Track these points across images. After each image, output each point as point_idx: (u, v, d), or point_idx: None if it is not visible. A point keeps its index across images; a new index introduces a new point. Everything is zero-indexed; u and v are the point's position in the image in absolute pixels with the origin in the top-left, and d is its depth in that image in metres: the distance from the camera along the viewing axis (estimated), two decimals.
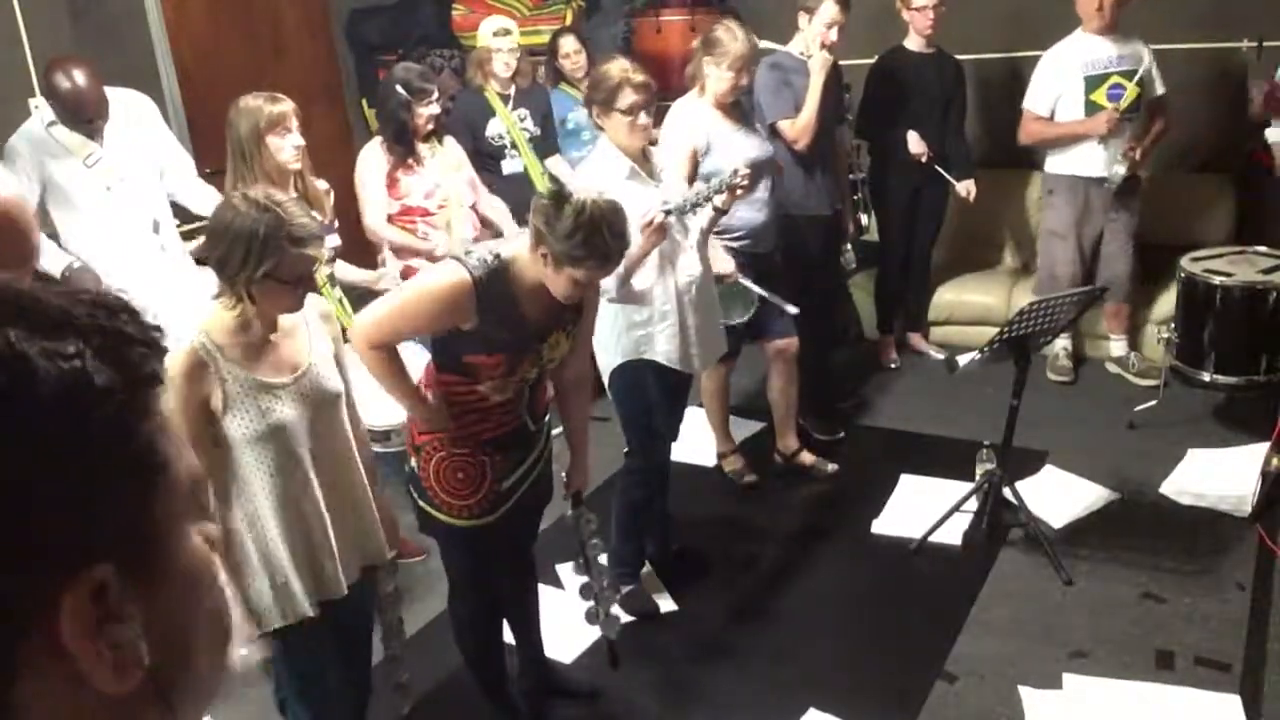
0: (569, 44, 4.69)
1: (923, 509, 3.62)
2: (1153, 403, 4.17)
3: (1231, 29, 4.59)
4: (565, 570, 3.37)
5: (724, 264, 3.42)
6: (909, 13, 4.45)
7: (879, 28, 4.70)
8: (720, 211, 3.01)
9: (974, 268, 5.24)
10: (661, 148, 3.35)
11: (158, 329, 0.58)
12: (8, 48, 3.99)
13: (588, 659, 3.07)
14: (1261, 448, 3.60)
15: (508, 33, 4.26)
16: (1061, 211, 4.49)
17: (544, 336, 2.37)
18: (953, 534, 3.51)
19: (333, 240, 3.23)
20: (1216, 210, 4.84)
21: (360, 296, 3.57)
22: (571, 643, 3.10)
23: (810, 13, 3.90)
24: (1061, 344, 4.66)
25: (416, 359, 2.69)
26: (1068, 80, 4.35)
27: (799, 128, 3.81)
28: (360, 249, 3.71)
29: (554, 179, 4.16)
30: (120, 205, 3.44)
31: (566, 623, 3.12)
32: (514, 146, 4.30)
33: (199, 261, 3.52)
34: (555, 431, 2.62)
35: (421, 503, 2.44)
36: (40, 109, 3.42)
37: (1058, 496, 3.71)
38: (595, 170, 2.94)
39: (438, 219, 3.69)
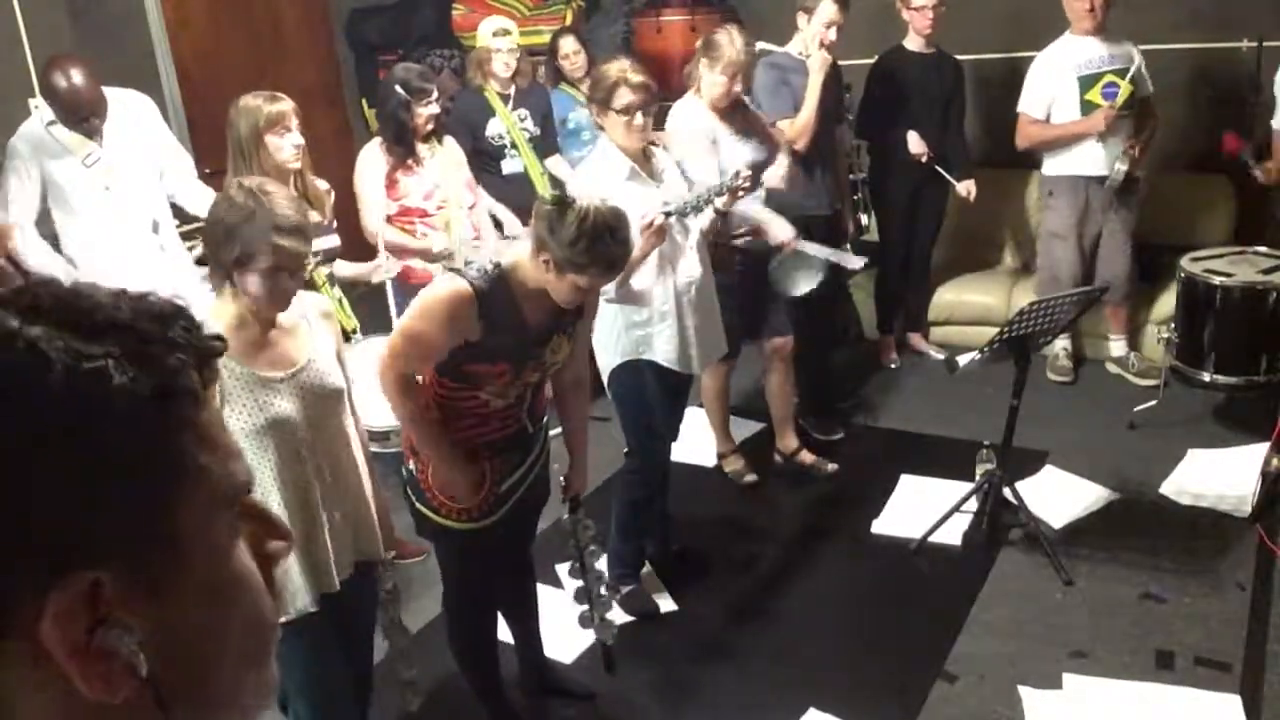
0: (568, 44, 4.70)
1: (923, 509, 3.61)
2: (1153, 403, 4.17)
3: (1231, 29, 4.59)
4: (565, 570, 3.36)
5: (783, 231, 3.38)
6: (909, 13, 4.45)
7: (879, 28, 4.70)
8: (720, 214, 3.01)
9: (974, 268, 5.24)
10: (672, 145, 3.36)
11: (214, 338, 0.58)
12: (8, 48, 3.99)
13: (588, 659, 3.07)
14: (1261, 448, 3.59)
15: (507, 33, 4.26)
16: (1062, 213, 4.49)
17: (545, 341, 2.36)
18: (953, 534, 3.51)
19: (332, 240, 3.23)
20: (1216, 210, 4.84)
21: (360, 297, 3.58)
22: (571, 643, 3.10)
23: (809, 13, 3.90)
24: (1061, 344, 4.66)
25: None
26: (1061, 82, 4.36)
27: (798, 128, 3.81)
28: (359, 249, 3.71)
29: (555, 181, 4.16)
30: (119, 205, 3.44)
31: (566, 623, 3.11)
32: (514, 146, 4.30)
33: (199, 262, 3.52)
34: (554, 432, 2.62)
35: (419, 505, 2.43)
36: (40, 109, 3.42)
37: (1058, 496, 3.70)
38: (595, 170, 2.94)
39: (436, 220, 3.69)
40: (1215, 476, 3.75)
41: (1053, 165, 4.51)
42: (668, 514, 3.44)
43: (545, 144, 4.42)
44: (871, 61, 4.65)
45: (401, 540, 2.54)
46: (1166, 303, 4.49)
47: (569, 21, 5.40)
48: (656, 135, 3.20)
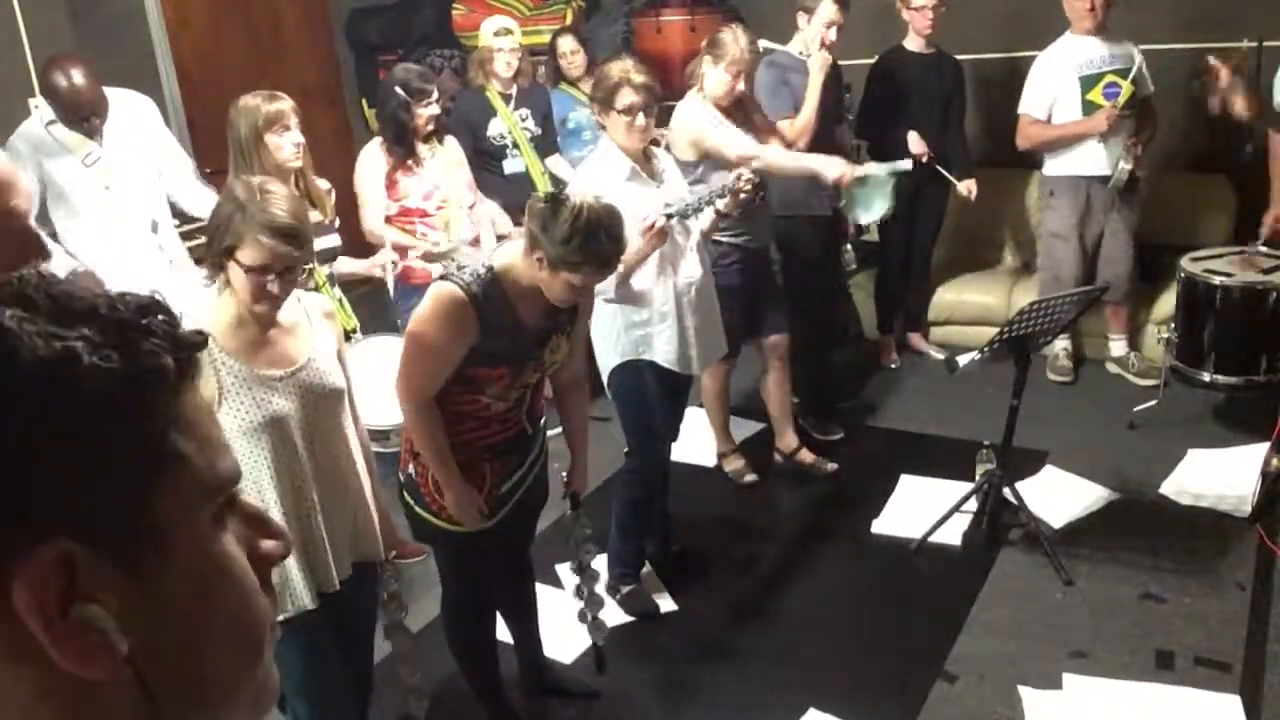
0: (566, 44, 4.70)
1: (923, 509, 3.62)
2: (1153, 403, 4.17)
3: (1231, 29, 4.58)
4: (565, 570, 3.37)
5: (833, 168, 3.40)
6: (909, 13, 4.45)
7: (879, 28, 4.70)
8: (722, 215, 3.01)
9: (974, 268, 5.24)
10: (676, 143, 3.37)
11: (196, 333, 0.59)
12: (8, 48, 3.99)
13: (587, 659, 3.06)
14: (1261, 448, 3.59)
15: (509, 32, 4.26)
16: (1063, 213, 4.49)
17: (544, 342, 2.36)
18: (953, 534, 3.51)
19: (333, 240, 3.23)
20: (1216, 210, 4.84)
21: (361, 297, 3.58)
22: (571, 643, 3.10)
23: (809, 13, 3.90)
24: (1061, 344, 4.66)
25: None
26: (1062, 82, 4.36)
27: (798, 128, 3.81)
28: (360, 249, 3.71)
29: (556, 181, 4.16)
30: (119, 205, 3.44)
31: (566, 623, 3.11)
32: (515, 146, 4.30)
33: (198, 261, 3.52)
34: (553, 432, 2.62)
35: (419, 509, 2.42)
36: (40, 108, 3.42)
37: (1058, 496, 3.70)
38: (596, 170, 2.94)
39: (436, 220, 3.69)
40: (1215, 476, 3.75)
41: (1054, 165, 4.51)
42: (668, 514, 3.44)
43: (546, 144, 4.42)
44: (871, 61, 4.65)
45: (402, 540, 2.54)
46: (1166, 303, 4.49)
47: (569, 21, 5.40)
48: (658, 133, 3.20)
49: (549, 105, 4.51)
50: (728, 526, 3.76)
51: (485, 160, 4.24)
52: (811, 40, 3.91)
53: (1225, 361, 3.90)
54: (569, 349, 2.46)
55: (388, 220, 3.66)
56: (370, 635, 2.43)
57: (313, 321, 2.12)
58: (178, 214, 3.73)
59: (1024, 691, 2.79)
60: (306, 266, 2.74)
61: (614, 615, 3.22)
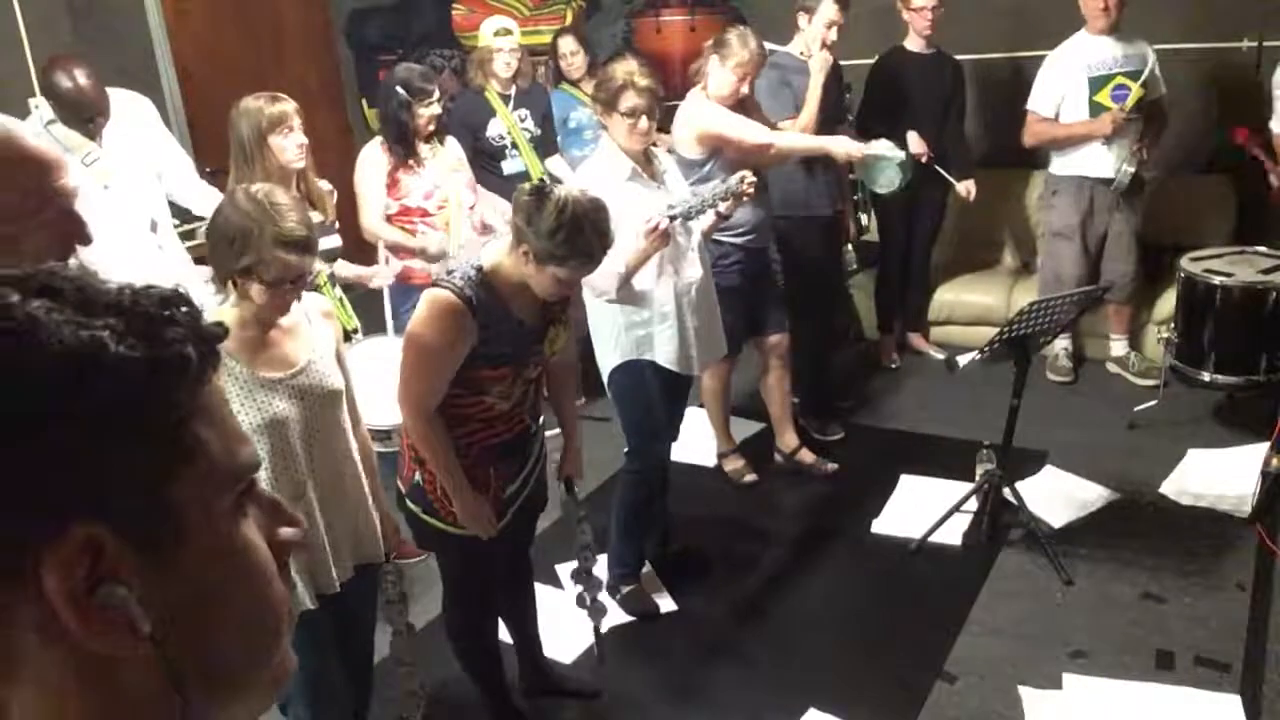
0: (566, 44, 4.70)
1: (923, 509, 3.62)
2: (1153, 403, 4.17)
3: (1231, 29, 4.59)
4: (565, 570, 3.37)
5: (842, 146, 3.45)
6: (909, 13, 4.45)
7: (879, 28, 4.70)
8: (723, 216, 3.01)
9: (974, 268, 5.24)
10: (683, 140, 3.38)
11: (216, 324, 0.61)
12: (8, 48, 3.99)
13: (587, 659, 3.07)
14: (1261, 448, 3.59)
15: (509, 32, 4.26)
16: (1065, 212, 4.49)
17: (542, 336, 2.36)
18: (953, 534, 3.51)
19: (334, 240, 3.23)
20: (1216, 210, 4.84)
21: (361, 296, 3.58)
22: (571, 643, 3.10)
23: (810, 12, 3.90)
24: (1062, 344, 4.66)
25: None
26: (1071, 81, 4.35)
27: (798, 129, 3.81)
28: (360, 249, 3.71)
29: (552, 178, 4.16)
30: (118, 204, 3.44)
31: (566, 623, 3.12)
32: (515, 147, 4.30)
33: (199, 261, 3.52)
34: (552, 433, 2.62)
35: (425, 515, 2.40)
36: (40, 108, 3.42)
37: (1058, 496, 3.70)
38: (597, 170, 2.94)
39: (437, 220, 3.69)
40: (1215, 476, 3.75)
41: (1059, 164, 4.51)
42: (668, 514, 3.44)
43: (545, 144, 4.42)
44: (871, 61, 4.65)
45: (402, 541, 2.54)
46: (1167, 303, 4.49)
47: (569, 21, 5.40)
48: (659, 137, 3.21)
49: (548, 106, 4.51)
50: (728, 526, 3.76)
51: (484, 160, 4.24)
52: (813, 40, 3.91)
53: (1225, 361, 3.90)
54: (566, 336, 2.46)
55: (389, 219, 3.66)
56: (370, 636, 2.43)
57: (312, 322, 2.12)
58: (178, 214, 3.73)
59: (1024, 691, 2.79)
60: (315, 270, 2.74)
61: (614, 615, 3.22)
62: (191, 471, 0.57)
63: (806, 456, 4.05)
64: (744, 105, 3.50)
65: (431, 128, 3.63)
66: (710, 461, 4.09)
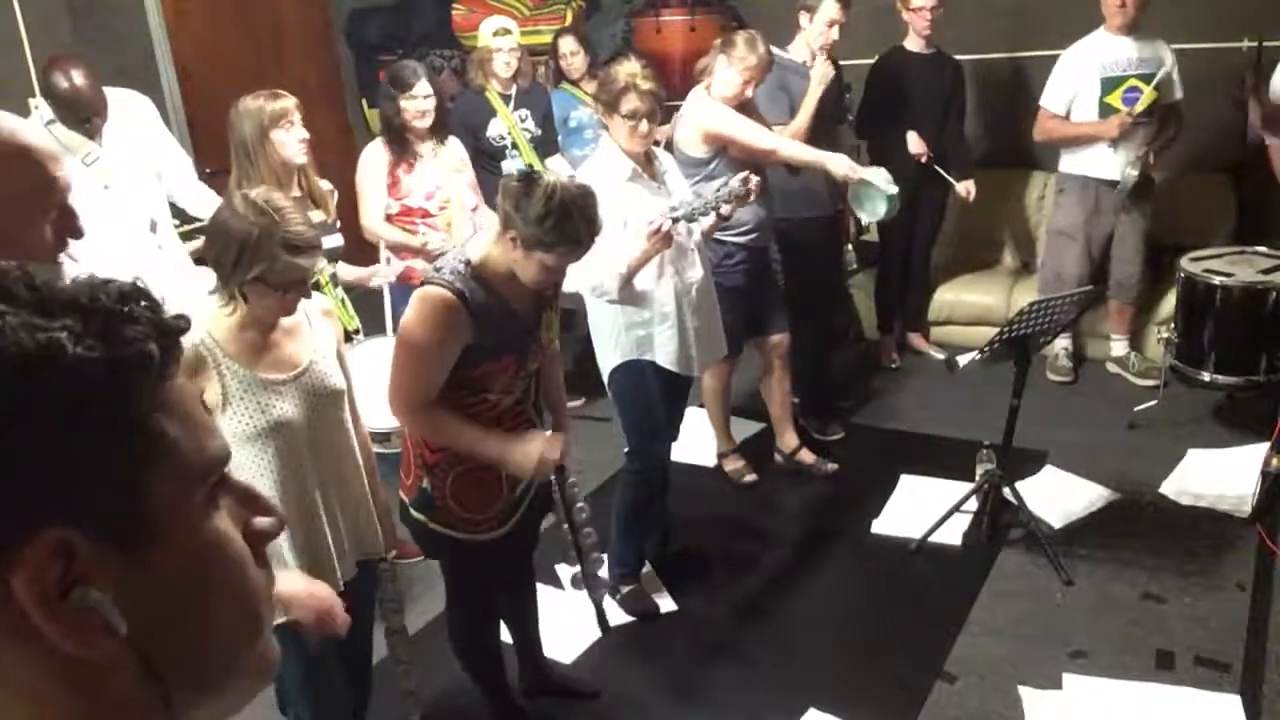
0: (567, 45, 4.70)
1: (923, 509, 3.62)
2: (1153, 403, 4.18)
3: (1231, 29, 4.59)
4: (565, 570, 3.37)
5: (838, 166, 3.42)
6: (908, 13, 4.45)
7: (879, 28, 4.70)
8: (723, 216, 3.01)
9: (974, 268, 5.25)
10: (688, 139, 3.38)
11: (177, 317, 0.60)
12: (8, 48, 3.99)
13: (587, 659, 3.07)
14: (1261, 448, 3.59)
15: (508, 32, 4.26)
16: (1070, 211, 4.49)
17: (537, 323, 2.35)
18: (953, 534, 3.51)
19: (335, 240, 3.23)
20: (1216, 210, 4.84)
21: (361, 296, 3.58)
22: (571, 643, 3.10)
23: (811, 12, 3.90)
24: (1062, 344, 4.66)
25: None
26: (1084, 80, 4.33)
27: (789, 134, 3.80)
28: (361, 249, 3.71)
29: None
30: (118, 205, 3.44)
31: (566, 623, 3.12)
32: (515, 147, 4.30)
33: (198, 261, 3.53)
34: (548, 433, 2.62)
35: (433, 524, 2.37)
36: (40, 109, 3.42)
37: (1058, 496, 3.71)
38: (597, 171, 2.94)
39: (438, 220, 3.69)
40: (1215, 476, 3.75)
41: (1067, 163, 4.51)
42: (668, 514, 3.44)
43: (546, 144, 4.42)
44: (871, 61, 4.66)
45: (402, 541, 2.54)
46: (1167, 303, 4.49)
47: (569, 21, 5.40)
48: (660, 133, 3.21)
49: (549, 106, 4.51)
50: (728, 526, 3.76)
51: (485, 161, 4.24)
52: (814, 39, 3.91)
53: (1225, 361, 3.90)
54: (556, 321, 2.45)
55: (389, 219, 3.66)
56: (370, 635, 2.43)
57: (313, 323, 2.12)
58: (177, 214, 3.73)
59: (1024, 691, 2.79)
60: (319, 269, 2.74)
61: (614, 615, 3.22)
62: (161, 469, 0.56)
63: (806, 456, 4.05)
64: (744, 108, 3.50)
65: (423, 123, 3.63)
66: (710, 461, 4.09)
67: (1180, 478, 3.78)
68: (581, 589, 2.71)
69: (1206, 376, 3.95)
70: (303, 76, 5.49)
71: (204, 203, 3.62)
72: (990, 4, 5.04)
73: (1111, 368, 4.72)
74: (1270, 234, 4.21)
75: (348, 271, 3.40)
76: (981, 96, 5.18)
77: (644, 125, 2.86)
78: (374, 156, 3.67)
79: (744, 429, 4.24)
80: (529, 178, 2.18)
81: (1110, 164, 4.33)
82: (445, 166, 3.73)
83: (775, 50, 3.93)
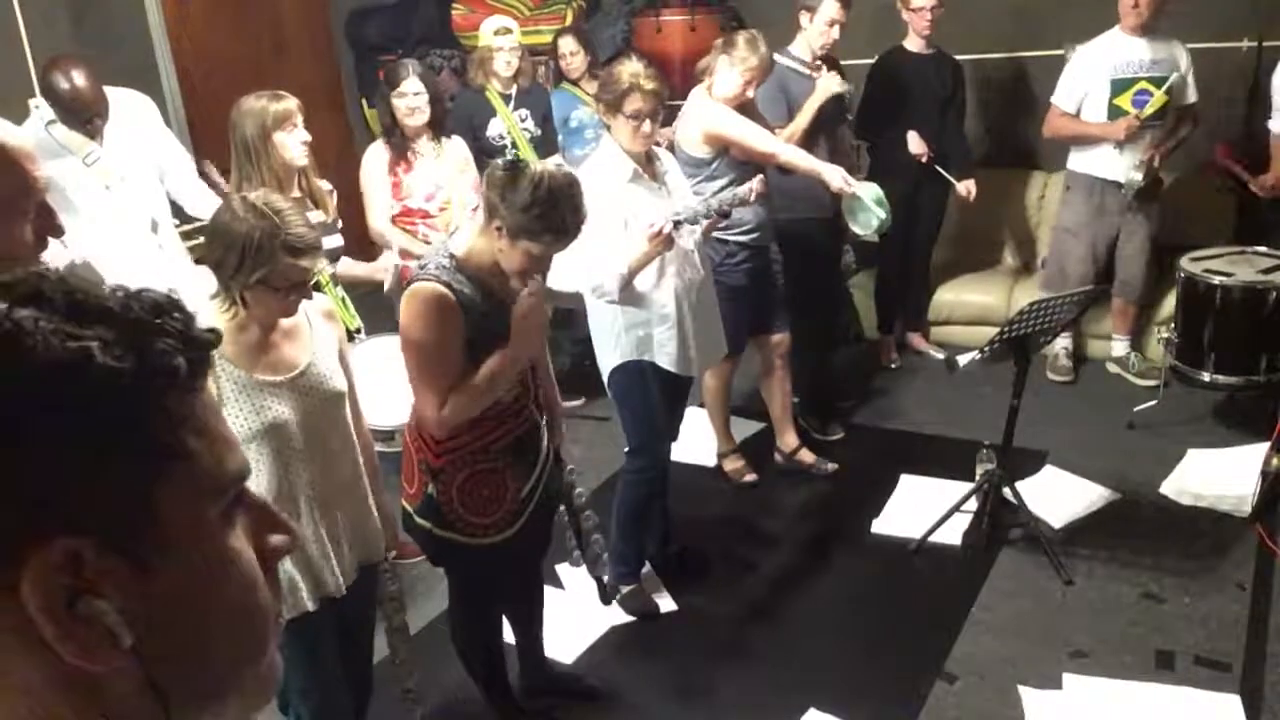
0: (567, 45, 4.70)
1: (923, 509, 3.62)
2: (1153, 403, 4.18)
3: (1231, 29, 4.59)
4: (565, 570, 3.37)
5: (833, 178, 3.40)
6: (908, 13, 4.45)
7: (879, 28, 4.70)
8: (724, 216, 3.01)
9: (974, 268, 5.24)
10: (689, 138, 3.38)
11: (209, 330, 0.60)
12: (8, 48, 3.99)
13: (587, 658, 3.07)
14: (1261, 448, 3.60)
15: (509, 32, 4.27)
16: (1076, 209, 4.49)
17: None
18: (953, 534, 3.51)
19: (335, 240, 3.23)
20: (1216, 210, 4.84)
21: (362, 296, 3.58)
22: (572, 643, 3.10)
23: (811, 11, 3.90)
24: (1061, 344, 4.66)
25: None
26: (1094, 80, 4.32)
27: (785, 137, 3.78)
28: (363, 249, 3.71)
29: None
30: (119, 205, 3.44)
31: (567, 623, 3.12)
32: (515, 147, 4.30)
33: (198, 261, 3.53)
34: None
35: (439, 531, 2.36)
36: (40, 109, 3.42)
37: (1058, 496, 3.70)
38: (598, 171, 2.94)
39: (439, 221, 3.69)
40: (1215, 476, 3.75)
41: (1075, 161, 4.50)
42: (668, 514, 3.44)
43: (545, 144, 4.42)
44: (871, 61, 4.66)
45: (403, 541, 2.54)
46: (1167, 303, 4.49)
47: (569, 21, 5.40)
48: (663, 134, 3.21)
49: (548, 105, 4.51)
50: (728, 526, 3.76)
51: (485, 160, 4.23)
52: (814, 39, 3.91)
53: (1225, 361, 3.90)
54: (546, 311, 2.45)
55: (391, 220, 3.67)
56: (370, 636, 2.42)
57: (313, 324, 2.12)
58: (178, 213, 3.73)
59: (1024, 691, 2.79)
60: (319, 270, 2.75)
61: (614, 615, 3.22)
62: (177, 483, 0.56)
63: (806, 456, 4.05)
64: (745, 108, 3.50)
65: (413, 120, 3.63)
66: (710, 461, 4.09)
67: (1180, 478, 3.78)
68: (580, 565, 2.72)
69: (1206, 376, 3.95)
70: (303, 76, 5.48)
71: (203, 202, 3.62)
72: (990, 4, 5.04)
73: (1112, 368, 4.72)
74: (1270, 234, 4.20)
75: (353, 268, 3.40)
76: (981, 96, 5.18)
77: (646, 125, 2.86)
78: (375, 158, 3.68)
79: (744, 429, 4.24)
80: (514, 166, 2.18)
81: (1116, 165, 4.32)
82: (447, 166, 3.73)
83: (779, 57, 3.94)
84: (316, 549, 2.09)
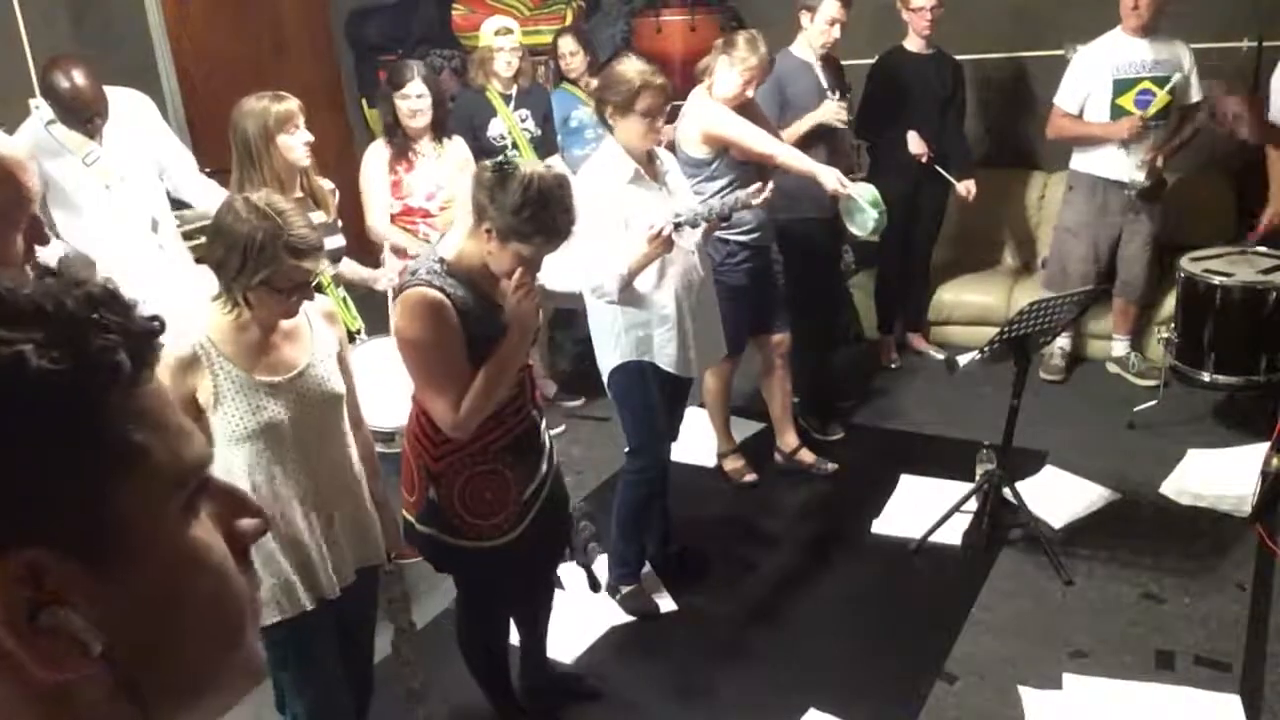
0: (567, 45, 4.70)
1: (923, 509, 3.62)
2: (1153, 403, 4.18)
3: (1232, 29, 4.59)
4: (565, 570, 3.36)
5: (829, 180, 3.40)
6: (908, 14, 4.45)
7: (879, 28, 4.70)
8: (724, 219, 3.01)
9: (974, 268, 5.24)
10: (689, 138, 3.39)
11: (151, 320, 0.57)
12: (8, 48, 3.99)
13: (588, 659, 3.07)
14: (1261, 448, 3.60)
15: (509, 32, 4.27)
16: (1078, 209, 4.50)
17: None
18: (953, 534, 3.51)
19: (337, 240, 3.23)
20: (1216, 210, 4.84)
21: (362, 296, 3.58)
22: (572, 643, 3.10)
23: (811, 11, 3.90)
24: (1058, 343, 4.66)
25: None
26: (1097, 81, 4.32)
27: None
28: (364, 249, 3.71)
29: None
30: (119, 204, 3.44)
31: (567, 623, 3.12)
32: (515, 147, 4.30)
33: (199, 261, 3.53)
34: (556, 431, 2.62)
35: (444, 536, 2.35)
36: (40, 109, 3.42)
37: (1058, 496, 3.71)
38: (600, 171, 2.94)
39: (439, 220, 3.69)
40: (1215, 476, 3.75)
41: (1078, 161, 4.50)
42: (668, 514, 3.44)
43: (546, 144, 4.42)
44: (871, 61, 4.66)
45: (404, 541, 2.53)
46: (1167, 303, 4.49)
47: (569, 21, 5.40)
48: (666, 132, 3.21)
49: (549, 106, 4.51)
50: (728, 526, 3.76)
51: (484, 160, 4.24)
52: (815, 38, 3.91)
53: (1225, 361, 3.90)
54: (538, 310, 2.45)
55: (391, 219, 3.67)
56: (371, 636, 2.42)
57: (313, 325, 2.12)
58: (178, 213, 3.73)
59: (1024, 691, 2.79)
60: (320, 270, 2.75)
61: (614, 615, 3.22)
62: (131, 480, 0.54)
63: (806, 456, 4.05)
64: (745, 108, 3.50)
65: (415, 122, 3.64)
66: (710, 461, 4.09)
67: (1180, 478, 3.78)
68: (570, 559, 2.71)
69: (1206, 377, 3.95)
70: (303, 77, 5.48)
71: (210, 196, 3.61)
72: (990, 4, 5.04)
73: (1111, 368, 4.72)
74: (1270, 234, 4.20)
75: (353, 270, 3.40)
76: (981, 96, 5.18)
77: (660, 121, 2.88)
78: (375, 157, 3.68)
79: (744, 429, 4.24)
80: (503, 168, 2.16)
81: (1120, 165, 4.32)
82: (448, 166, 3.73)
83: (794, 51, 3.94)
84: (313, 549, 2.08)
